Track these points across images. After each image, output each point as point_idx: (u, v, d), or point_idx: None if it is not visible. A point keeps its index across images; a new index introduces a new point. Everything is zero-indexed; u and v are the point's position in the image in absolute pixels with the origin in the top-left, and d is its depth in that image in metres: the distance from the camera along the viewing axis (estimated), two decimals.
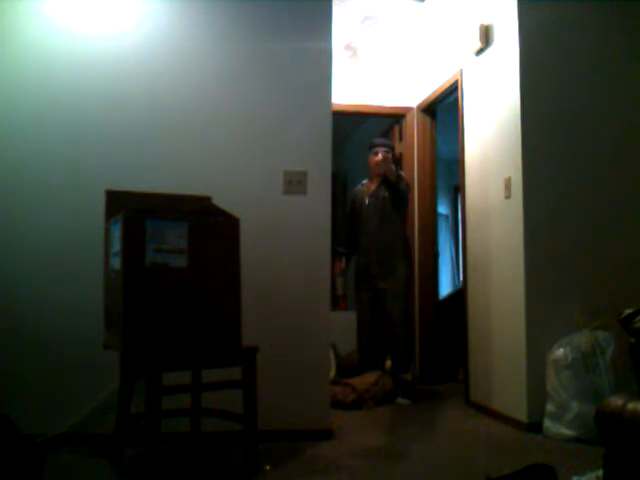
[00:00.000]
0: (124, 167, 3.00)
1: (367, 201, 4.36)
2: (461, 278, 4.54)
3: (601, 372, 3.00)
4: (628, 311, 2.04)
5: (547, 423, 3.08)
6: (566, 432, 2.98)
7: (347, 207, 4.64)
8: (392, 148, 4.53)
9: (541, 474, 1.94)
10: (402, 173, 4.46)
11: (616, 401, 1.94)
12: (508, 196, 3.44)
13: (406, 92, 4.95)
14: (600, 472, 2.00)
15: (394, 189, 4.23)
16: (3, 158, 2.97)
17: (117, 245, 2.34)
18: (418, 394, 4.16)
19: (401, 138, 5.04)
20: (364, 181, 4.52)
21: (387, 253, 4.24)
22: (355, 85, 4.88)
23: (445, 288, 7.31)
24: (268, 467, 2.49)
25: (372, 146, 4.40)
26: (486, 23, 3.76)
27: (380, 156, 4.27)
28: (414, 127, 4.92)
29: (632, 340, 2.01)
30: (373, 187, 4.38)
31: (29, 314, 2.90)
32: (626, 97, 3.46)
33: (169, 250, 2.29)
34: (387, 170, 4.22)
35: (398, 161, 4.71)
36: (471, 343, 3.91)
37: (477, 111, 3.93)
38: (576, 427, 2.96)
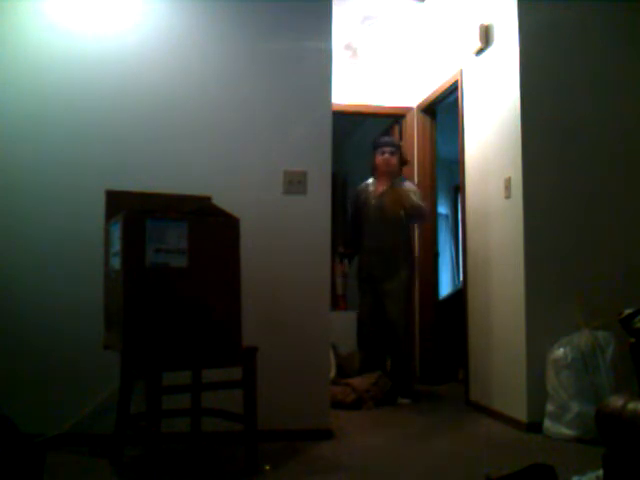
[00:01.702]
0: (124, 167, 3.00)
1: (373, 202, 4.26)
2: (461, 278, 4.54)
3: (601, 372, 3.00)
4: (628, 311, 2.04)
5: (547, 423, 3.08)
6: (566, 432, 2.98)
7: (349, 207, 4.53)
8: (399, 147, 4.43)
9: (541, 474, 1.94)
10: (422, 203, 4.24)
11: (616, 401, 1.94)
12: (508, 196, 3.44)
13: (406, 92, 4.96)
14: (600, 472, 2.00)
15: (412, 216, 4.22)
16: (3, 158, 2.97)
17: (117, 245, 2.34)
18: (417, 394, 4.15)
19: (401, 138, 5.04)
20: (369, 180, 4.41)
21: (391, 254, 4.17)
22: (355, 85, 4.88)
23: (445, 288, 7.31)
24: (268, 467, 2.49)
25: (378, 145, 4.31)
26: (486, 23, 3.76)
27: (386, 156, 4.22)
28: (414, 127, 4.92)
29: (632, 340, 2.01)
30: (381, 189, 4.27)
31: (29, 314, 2.90)
32: (626, 97, 3.46)
33: (169, 250, 2.29)
34: (405, 207, 4.14)
35: (406, 162, 4.53)
36: (471, 343, 3.91)
37: (477, 111, 3.93)
38: (576, 427, 2.96)
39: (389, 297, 4.14)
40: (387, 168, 4.23)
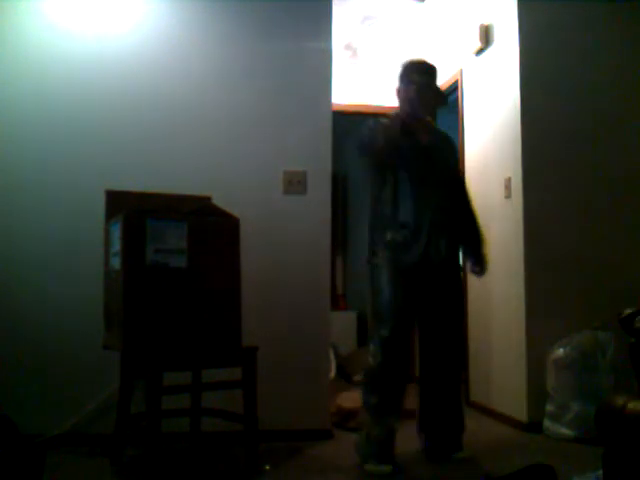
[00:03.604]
0: (124, 167, 3.00)
1: (416, 153, 2.69)
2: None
3: (601, 372, 3.00)
4: (628, 311, 2.04)
5: (547, 423, 3.08)
6: (566, 432, 2.98)
7: (376, 143, 2.69)
8: (436, 75, 2.83)
9: (541, 474, 1.94)
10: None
11: (616, 401, 1.94)
12: (508, 196, 3.44)
13: None
14: (600, 472, 2.00)
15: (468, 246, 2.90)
16: (3, 158, 2.97)
17: (117, 245, 2.34)
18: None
19: None
20: (395, 117, 2.75)
21: (449, 230, 2.72)
22: (355, 85, 4.88)
23: None
24: (268, 467, 2.49)
25: (406, 71, 2.80)
26: (486, 23, 3.76)
27: (413, 89, 2.71)
28: None
29: (632, 340, 2.01)
30: (424, 137, 2.76)
31: (29, 314, 2.90)
32: (626, 97, 3.46)
33: (169, 250, 2.29)
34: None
35: (444, 99, 3.08)
36: (471, 343, 3.91)
37: (477, 111, 3.92)
38: (576, 427, 2.95)
39: (446, 295, 2.73)
40: (419, 105, 2.73)
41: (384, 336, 2.59)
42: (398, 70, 2.85)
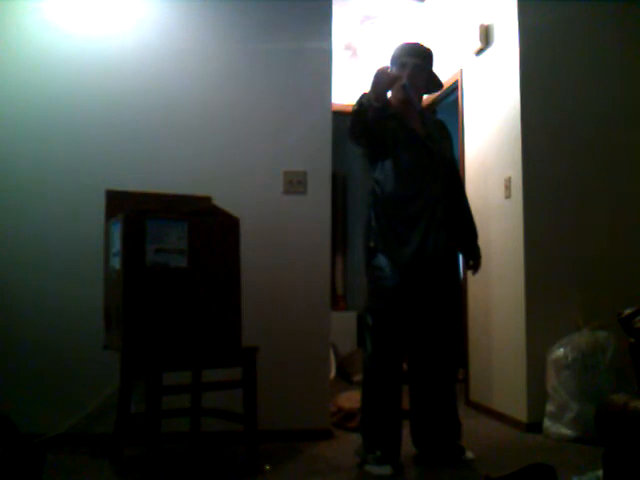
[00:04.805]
0: (124, 167, 3.00)
1: (409, 141, 2.62)
2: (461, 277, 4.53)
3: (601, 372, 2.99)
4: (628, 311, 2.03)
5: (547, 423, 3.08)
6: (566, 432, 2.98)
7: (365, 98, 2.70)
8: (431, 58, 2.74)
9: (541, 474, 1.94)
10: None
11: (616, 401, 1.94)
12: (508, 196, 3.44)
13: None
14: (600, 472, 2.00)
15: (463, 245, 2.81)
16: (3, 158, 2.97)
17: (117, 245, 2.35)
18: None
19: None
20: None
21: (446, 226, 2.63)
22: (355, 85, 4.88)
23: None
24: (268, 467, 2.49)
25: (398, 54, 2.69)
26: (486, 23, 3.76)
27: (407, 73, 2.60)
28: None
29: (632, 340, 2.01)
30: (416, 125, 2.67)
31: (29, 314, 2.90)
32: (626, 97, 3.46)
33: (169, 250, 2.30)
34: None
35: (438, 84, 2.81)
36: (471, 343, 3.91)
37: (477, 111, 3.93)
38: (576, 427, 2.95)
39: (442, 289, 2.65)
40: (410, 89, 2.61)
41: (378, 331, 2.55)
42: (391, 53, 2.72)
